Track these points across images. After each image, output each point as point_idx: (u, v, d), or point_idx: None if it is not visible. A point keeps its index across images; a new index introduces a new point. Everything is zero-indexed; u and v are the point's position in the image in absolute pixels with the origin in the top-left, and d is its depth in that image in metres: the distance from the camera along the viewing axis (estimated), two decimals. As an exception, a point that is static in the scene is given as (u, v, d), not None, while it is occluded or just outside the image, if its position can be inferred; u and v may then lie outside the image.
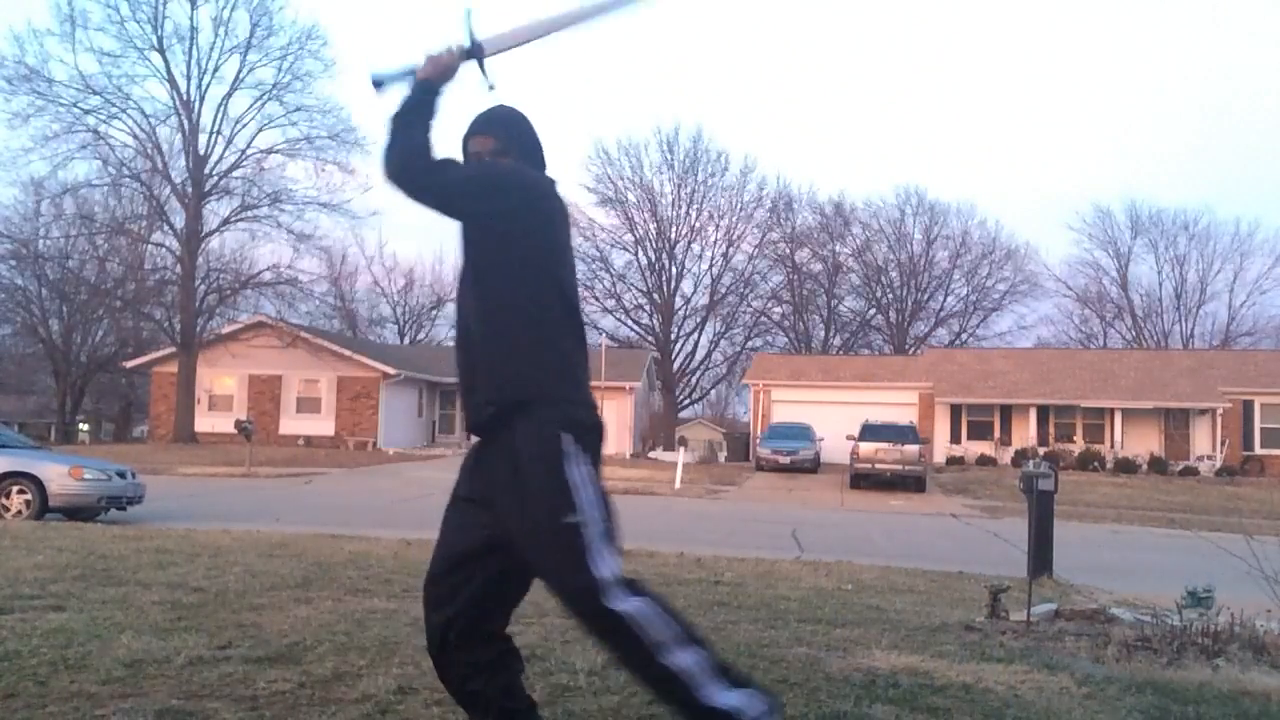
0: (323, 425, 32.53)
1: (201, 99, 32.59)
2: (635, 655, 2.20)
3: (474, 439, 2.46)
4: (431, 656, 2.49)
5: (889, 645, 4.43)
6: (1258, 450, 31.38)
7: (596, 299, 46.85)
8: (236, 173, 33.05)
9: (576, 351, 2.47)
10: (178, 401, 30.98)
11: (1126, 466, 29.19)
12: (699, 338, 49.35)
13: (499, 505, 2.31)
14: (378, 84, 2.47)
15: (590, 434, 2.39)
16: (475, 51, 2.49)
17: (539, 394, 2.33)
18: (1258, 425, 31.76)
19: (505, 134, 2.57)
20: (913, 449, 23.73)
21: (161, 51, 31.92)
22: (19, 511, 11.68)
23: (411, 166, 2.34)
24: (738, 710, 2.16)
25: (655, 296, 48.30)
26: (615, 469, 25.58)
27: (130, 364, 35.63)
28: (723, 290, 48.62)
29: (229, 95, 32.69)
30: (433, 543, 2.50)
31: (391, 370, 33.10)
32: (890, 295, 52.55)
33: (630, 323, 49.02)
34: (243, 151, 32.97)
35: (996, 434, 32.27)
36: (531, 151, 2.59)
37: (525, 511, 2.25)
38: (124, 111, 31.82)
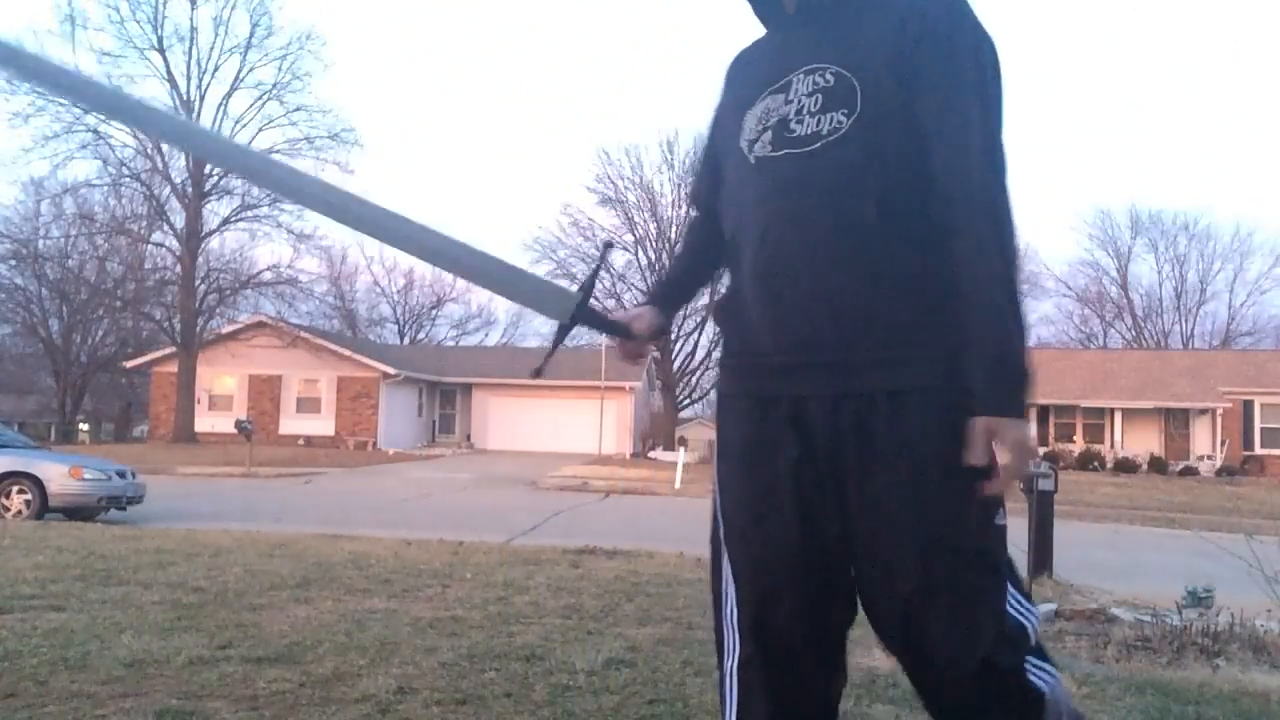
0: (323, 425, 32.52)
1: (201, 99, 32.65)
2: None
3: None
4: None
5: (889, 645, 4.42)
6: (1258, 450, 31.38)
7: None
8: (236, 172, 33.06)
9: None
10: (178, 401, 30.98)
11: (1126, 466, 29.19)
12: (699, 338, 49.26)
13: None
14: None
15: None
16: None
17: None
18: (1258, 425, 31.76)
19: None
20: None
21: (161, 51, 31.98)
22: (19, 511, 11.67)
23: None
24: None
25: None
26: (615, 469, 25.60)
27: (130, 364, 35.62)
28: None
29: (229, 95, 32.75)
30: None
31: (391, 370, 33.11)
32: (890, 295, 52.49)
33: (630, 323, 49.10)
34: (243, 151, 32.98)
35: (996, 434, 32.23)
36: None
37: None
38: (124, 111, 31.82)
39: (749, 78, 1.78)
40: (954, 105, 1.57)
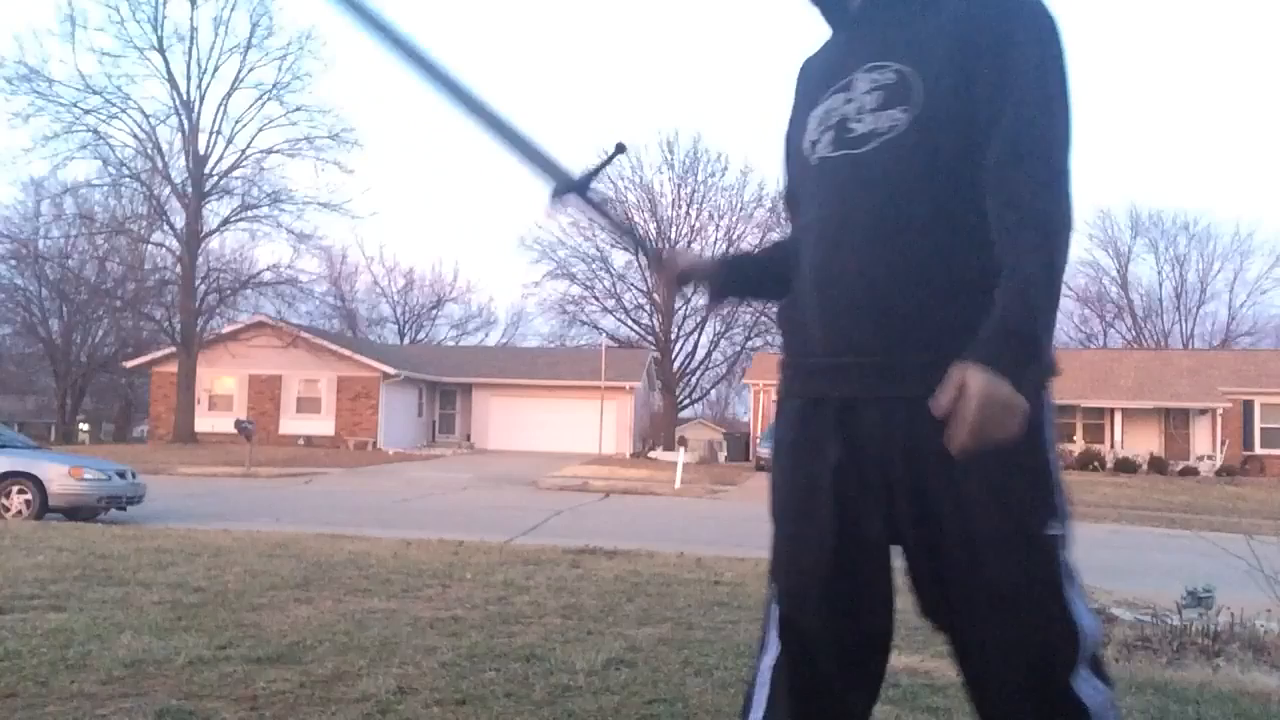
0: (323, 425, 32.52)
1: (201, 99, 32.62)
2: None
3: None
4: None
5: (889, 645, 4.43)
6: (1258, 450, 31.38)
7: (596, 299, 46.94)
8: (236, 173, 33.10)
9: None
10: (178, 401, 30.97)
11: (1126, 466, 29.19)
12: (699, 338, 49.30)
13: None
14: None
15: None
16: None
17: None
18: (1258, 425, 31.75)
19: None
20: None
21: (161, 51, 31.93)
22: (19, 511, 11.67)
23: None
24: None
25: (655, 296, 48.31)
26: (615, 469, 25.59)
27: (130, 364, 35.62)
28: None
29: (229, 95, 32.71)
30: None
31: (391, 370, 33.10)
32: (890, 295, 52.52)
33: (630, 323, 49.02)
34: (243, 151, 33.00)
35: (996, 434, 32.24)
36: None
37: None
38: (124, 111, 31.87)
39: (815, 79, 1.75)
40: (1011, 103, 1.50)
